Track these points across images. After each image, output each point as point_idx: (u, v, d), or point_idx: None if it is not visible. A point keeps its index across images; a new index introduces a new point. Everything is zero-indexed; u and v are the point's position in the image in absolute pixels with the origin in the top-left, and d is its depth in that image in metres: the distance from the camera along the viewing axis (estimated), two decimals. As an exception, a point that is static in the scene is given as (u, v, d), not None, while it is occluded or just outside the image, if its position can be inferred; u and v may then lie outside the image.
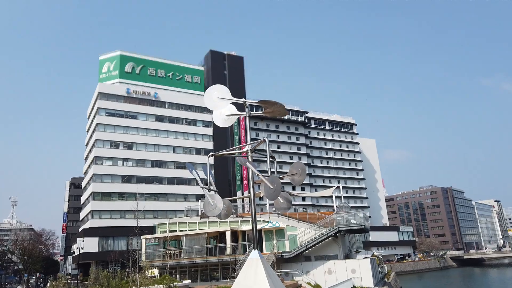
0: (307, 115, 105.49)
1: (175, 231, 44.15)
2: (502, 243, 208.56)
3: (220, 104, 20.16)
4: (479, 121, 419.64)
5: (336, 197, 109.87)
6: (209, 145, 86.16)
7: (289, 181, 18.09)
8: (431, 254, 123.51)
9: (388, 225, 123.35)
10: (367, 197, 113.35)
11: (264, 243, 40.79)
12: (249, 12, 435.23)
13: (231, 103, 19.59)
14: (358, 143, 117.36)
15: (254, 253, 17.11)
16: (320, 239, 37.04)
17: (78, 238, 71.40)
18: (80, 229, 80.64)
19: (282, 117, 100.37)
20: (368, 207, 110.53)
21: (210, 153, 18.85)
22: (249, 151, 18.31)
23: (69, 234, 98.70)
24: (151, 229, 48.70)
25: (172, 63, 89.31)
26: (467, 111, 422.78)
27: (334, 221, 38.90)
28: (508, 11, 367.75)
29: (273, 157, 18.71)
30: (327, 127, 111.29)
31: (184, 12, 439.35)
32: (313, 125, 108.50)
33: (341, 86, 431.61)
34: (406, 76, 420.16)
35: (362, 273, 35.19)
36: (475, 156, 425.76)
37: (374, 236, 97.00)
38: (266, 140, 17.36)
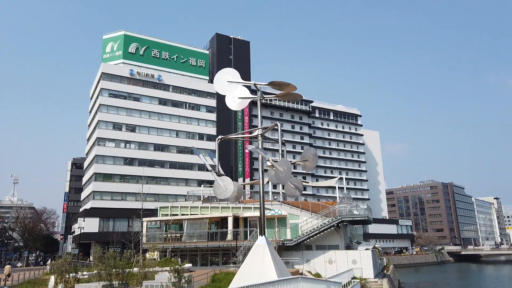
0: (312, 104, 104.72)
1: (177, 214, 44.00)
2: (500, 240, 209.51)
3: (229, 88, 19.64)
4: (483, 118, 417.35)
5: (338, 188, 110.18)
6: (212, 130, 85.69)
7: (295, 170, 17.69)
8: (426, 248, 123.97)
9: (387, 218, 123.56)
10: (368, 189, 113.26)
11: (265, 230, 40.57)
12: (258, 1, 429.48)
13: (243, 86, 19.06)
14: (362, 135, 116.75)
15: (261, 239, 16.80)
16: (322, 229, 36.83)
17: (79, 218, 71.57)
18: (81, 209, 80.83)
19: (286, 105, 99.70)
20: (369, 199, 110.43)
21: (220, 136, 18.46)
22: (259, 135, 17.92)
23: (70, 214, 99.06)
24: (152, 212, 48.59)
25: (177, 45, 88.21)
26: (471, 107, 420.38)
27: (337, 211, 38.68)
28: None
29: (283, 143, 18.31)
30: (331, 117, 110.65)
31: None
32: (317, 115, 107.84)
33: (347, 78, 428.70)
34: (411, 72, 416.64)
35: (363, 264, 35.07)
36: (478, 153, 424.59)
37: (373, 228, 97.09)
38: (279, 124, 16.96)
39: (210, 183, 75.91)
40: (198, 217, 41.96)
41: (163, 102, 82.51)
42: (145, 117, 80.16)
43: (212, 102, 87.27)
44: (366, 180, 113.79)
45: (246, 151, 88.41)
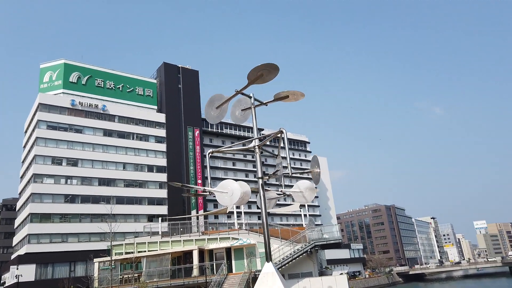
0: (262, 132, 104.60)
1: (132, 252, 39.83)
2: (439, 258, 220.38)
3: (220, 115, 16.80)
4: (415, 143, 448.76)
5: (292, 214, 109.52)
6: (163, 161, 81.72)
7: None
8: (377, 271, 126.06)
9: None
10: (320, 215, 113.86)
11: (233, 262, 37.88)
12: (203, 27, 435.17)
13: (240, 96, 17.08)
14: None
15: (269, 267, 14.55)
16: (296, 255, 35.01)
17: (11, 266, 63.12)
18: (13, 256, 71.50)
19: (237, 134, 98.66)
20: (321, 224, 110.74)
21: (210, 150, 16.31)
22: (256, 147, 15.98)
23: (0, 263, 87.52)
24: (101, 253, 43.84)
25: (123, 74, 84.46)
26: (405, 132, 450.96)
27: (307, 236, 37.25)
28: (432, 44, 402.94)
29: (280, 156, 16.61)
30: (282, 145, 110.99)
31: (135, 25, 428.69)
32: (268, 142, 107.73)
33: (295, 105, 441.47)
34: (348, 99, 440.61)
35: (339, 290, 33.54)
36: (413, 175, 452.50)
37: (328, 254, 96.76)
38: (284, 131, 15.14)
39: (162, 217, 71.41)
40: (158, 253, 38.23)
41: (108, 133, 77.49)
42: (89, 149, 74.48)
43: (162, 132, 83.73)
44: (318, 206, 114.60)
45: (199, 181, 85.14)
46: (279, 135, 14.46)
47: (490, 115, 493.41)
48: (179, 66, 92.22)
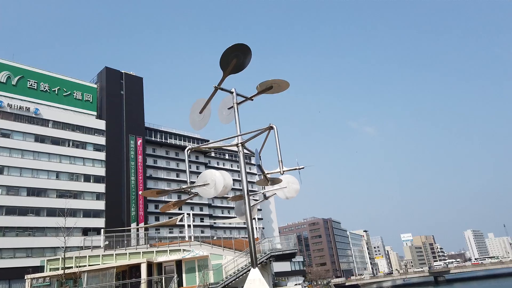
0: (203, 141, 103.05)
1: (71, 267, 36.10)
2: (371, 269, 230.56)
3: (204, 119, 15.37)
4: (347, 160, 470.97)
5: (237, 228, 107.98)
6: (101, 171, 76.63)
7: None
8: (315, 283, 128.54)
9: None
10: (263, 227, 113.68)
11: (184, 275, 35.79)
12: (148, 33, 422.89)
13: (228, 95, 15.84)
14: (256, 174, 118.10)
15: (255, 273, 13.47)
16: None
17: None
18: None
19: (183, 144, 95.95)
20: (274, 236, 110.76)
21: (189, 147, 14.94)
22: (239, 144, 14.90)
23: None
24: (23, 271, 39.63)
25: (59, 77, 78.49)
26: (339, 149, 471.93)
27: (261, 247, 36.46)
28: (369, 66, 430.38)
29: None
30: (227, 157, 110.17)
31: (77, 28, 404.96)
32: (213, 154, 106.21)
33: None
34: (290, 117, 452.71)
35: (294, 301, 33.05)
36: (348, 190, 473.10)
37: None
38: (275, 127, 14.23)
39: (97, 231, 66.39)
40: (102, 267, 35.00)
41: (40, 139, 71.16)
42: (17, 156, 67.68)
43: (101, 140, 78.75)
44: (261, 219, 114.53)
45: (140, 192, 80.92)
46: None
47: (413, 135, 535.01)
48: (122, 71, 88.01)
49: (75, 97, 79.10)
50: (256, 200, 15.51)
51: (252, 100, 14.98)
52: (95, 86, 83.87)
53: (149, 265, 35.74)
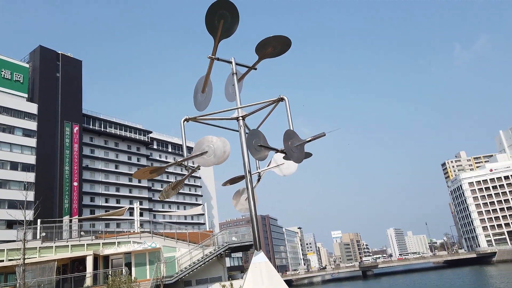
0: (150, 135, 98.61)
1: (2, 261, 32.23)
2: (304, 265, 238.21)
3: (207, 99, 14.27)
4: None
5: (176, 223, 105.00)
6: (31, 159, 69.92)
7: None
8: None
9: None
10: (204, 223, 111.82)
11: (134, 268, 33.55)
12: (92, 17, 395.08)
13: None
14: (199, 169, 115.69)
15: (260, 256, 12.56)
16: (208, 259, 32.71)
17: None
18: None
19: (123, 134, 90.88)
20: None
21: (185, 117, 13.58)
22: (240, 118, 13.85)
23: None
24: None
25: (-16, 53, 70.25)
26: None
27: (217, 239, 35.43)
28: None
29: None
30: (170, 150, 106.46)
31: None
32: (155, 147, 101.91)
33: (184, 109, 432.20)
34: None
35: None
36: (284, 189, 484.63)
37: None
38: (286, 98, 13.38)
39: (22, 223, 60.41)
40: (40, 260, 31.58)
41: (-41, 120, 63.08)
42: None
43: (32, 125, 71.82)
44: (203, 214, 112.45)
45: (75, 184, 75.24)
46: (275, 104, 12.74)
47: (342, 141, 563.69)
48: (59, 52, 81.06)
49: (3, 76, 71.26)
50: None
51: (256, 69, 13.91)
52: (27, 65, 76.29)
53: (95, 258, 33.01)
